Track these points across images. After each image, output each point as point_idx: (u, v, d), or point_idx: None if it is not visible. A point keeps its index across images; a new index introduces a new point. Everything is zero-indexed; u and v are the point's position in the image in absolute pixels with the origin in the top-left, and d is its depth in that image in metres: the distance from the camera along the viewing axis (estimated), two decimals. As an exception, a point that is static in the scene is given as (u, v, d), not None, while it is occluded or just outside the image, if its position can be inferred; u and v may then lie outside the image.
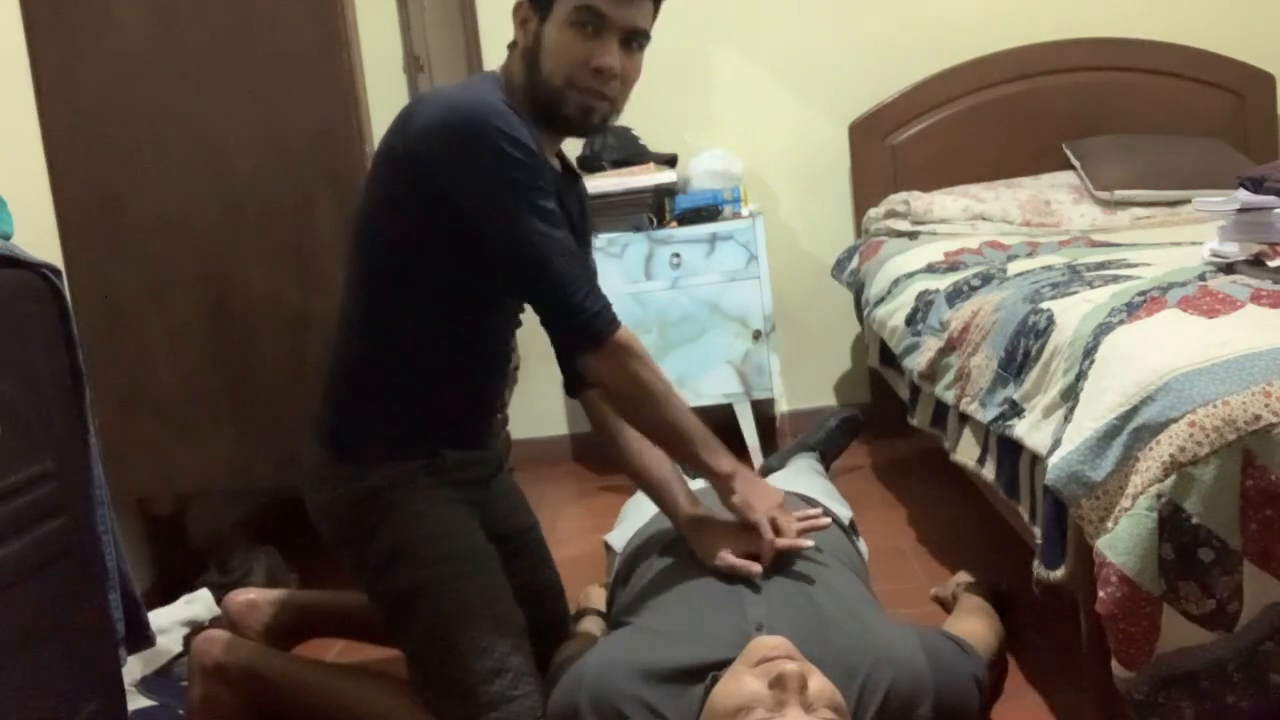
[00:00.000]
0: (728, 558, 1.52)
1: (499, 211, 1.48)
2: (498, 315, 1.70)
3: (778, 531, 1.54)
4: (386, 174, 1.56)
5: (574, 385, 1.75)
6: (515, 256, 1.50)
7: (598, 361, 1.53)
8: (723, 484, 1.58)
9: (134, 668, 1.88)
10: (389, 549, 1.57)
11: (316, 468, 1.64)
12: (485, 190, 1.48)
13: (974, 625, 1.70)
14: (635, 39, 1.55)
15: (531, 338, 1.75)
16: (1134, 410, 1.32)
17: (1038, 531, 1.55)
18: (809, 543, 1.54)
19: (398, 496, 1.58)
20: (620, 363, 1.53)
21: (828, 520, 1.57)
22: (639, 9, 1.53)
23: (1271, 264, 1.63)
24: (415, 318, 1.60)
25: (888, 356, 2.71)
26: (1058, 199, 3.02)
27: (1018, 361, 1.73)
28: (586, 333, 1.52)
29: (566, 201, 1.63)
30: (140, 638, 1.52)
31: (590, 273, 1.60)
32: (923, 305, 2.34)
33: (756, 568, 1.50)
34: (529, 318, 1.66)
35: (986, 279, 2.18)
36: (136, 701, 1.79)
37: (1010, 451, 1.73)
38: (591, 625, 1.79)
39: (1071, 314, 1.63)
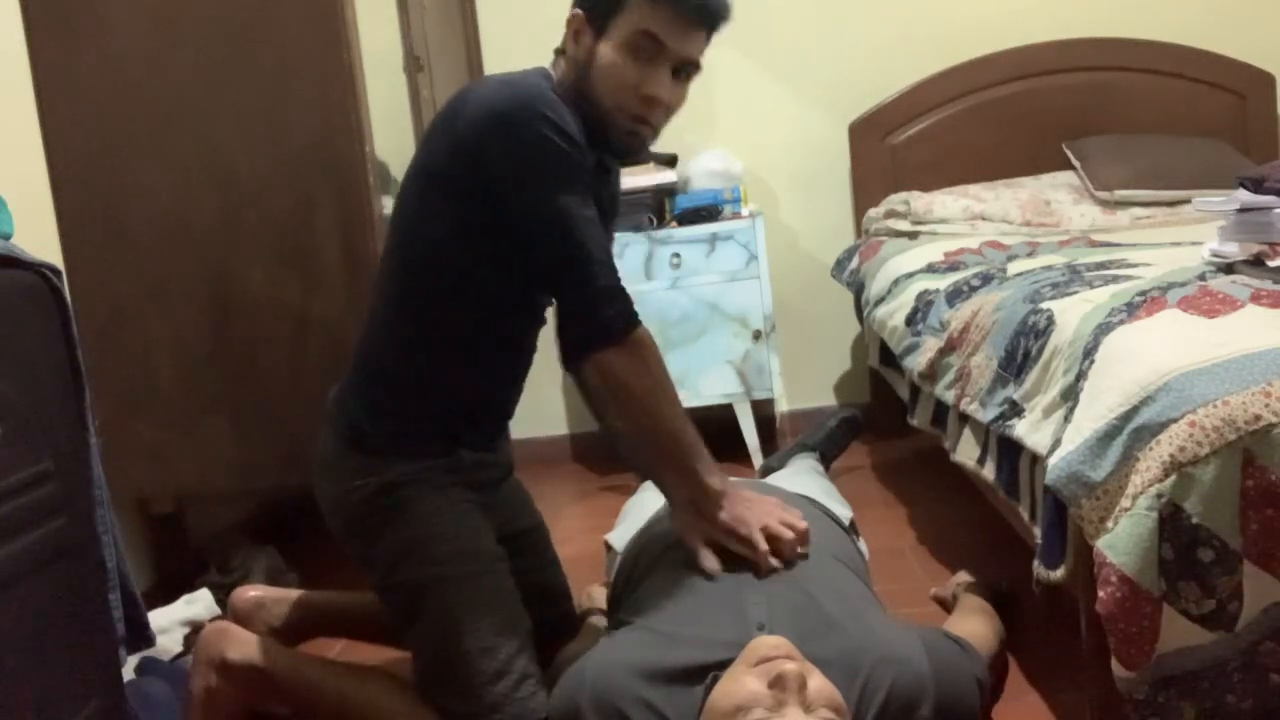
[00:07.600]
0: (709, 561, 1.50)
1: (537, 194, 1.48)
2: (528, 315, 1.70)
3: (772, 541, 1.51)
4: (433, 157, 1.55)
5: (573, 360, 1.68)
6: (550, 239, 1.49)
7: (616, 356, 1.50)
8: (712, 501, 1.53)
9: (133, 665, 1.87)
10: (401, 544, 1.57)
11: (331, 458, 1.63)
12: (526, 172, 1.47)
13: (974, 625, 1.70)
14: (685, 69, 1.56)
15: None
16: (1134, 410, 1.32)
17: (1038, 531, 1.55)
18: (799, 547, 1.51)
19: (412, 492, 1.58)
20: (639, 360, 1.51)
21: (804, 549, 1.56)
22: (694, 40, 1.54)
23: (1271, 264, 1.63)
24: (449, 315, 1.59)
25: (888, 356, 2.71)
26: (1058, 199, 3.02)
27: (1018, 361, 1.73)
28: (612, 325, 1.50)
29: (599, 192, 1.63)
30: (140, 638, 1.52)
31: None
32: (923, 305, 2.34)
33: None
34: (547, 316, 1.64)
35: (986, 279, 2.18)
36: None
37: (1010, 451, 1.73)
38: (596, 626, 1.79)
39: (1071, 314, 1.63)
